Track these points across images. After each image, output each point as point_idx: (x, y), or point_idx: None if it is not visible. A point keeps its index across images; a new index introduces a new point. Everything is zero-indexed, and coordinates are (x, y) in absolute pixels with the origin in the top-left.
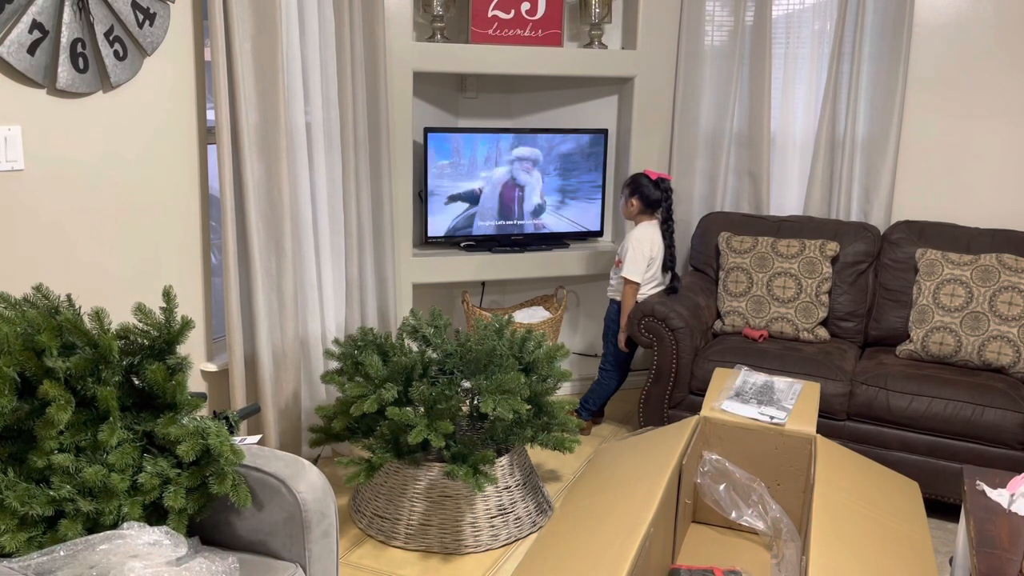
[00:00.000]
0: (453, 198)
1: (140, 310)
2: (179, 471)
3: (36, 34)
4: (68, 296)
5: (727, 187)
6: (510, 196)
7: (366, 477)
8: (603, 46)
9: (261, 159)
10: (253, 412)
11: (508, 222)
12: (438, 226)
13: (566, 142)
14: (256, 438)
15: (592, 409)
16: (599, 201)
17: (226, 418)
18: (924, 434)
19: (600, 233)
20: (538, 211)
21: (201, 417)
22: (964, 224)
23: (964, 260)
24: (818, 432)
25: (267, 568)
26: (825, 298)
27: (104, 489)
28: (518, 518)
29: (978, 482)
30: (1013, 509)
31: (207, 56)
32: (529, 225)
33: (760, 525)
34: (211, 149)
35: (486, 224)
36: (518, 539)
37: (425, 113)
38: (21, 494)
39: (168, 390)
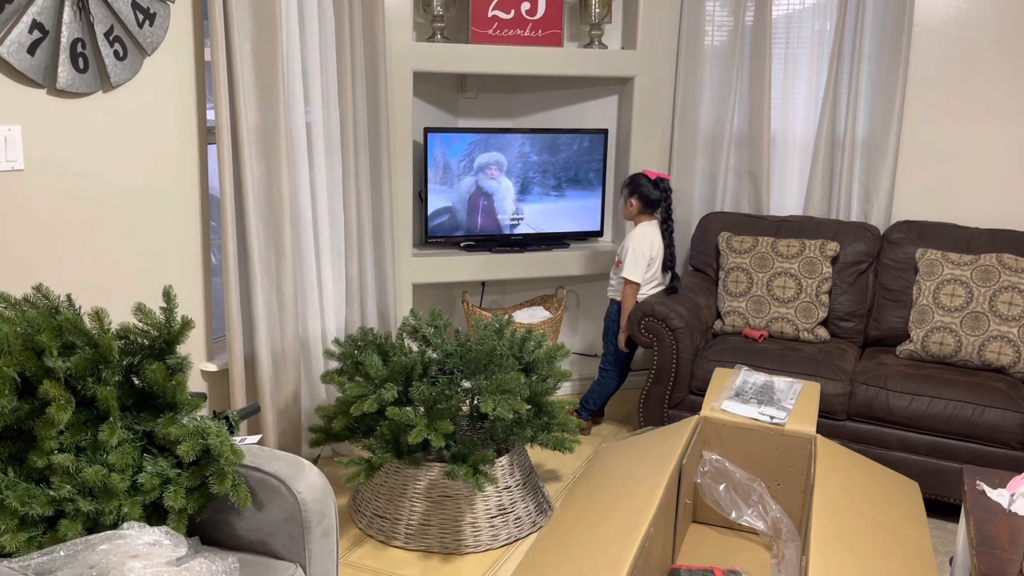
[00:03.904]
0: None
1: (140, 310)
2: (179, 471)
3: (36, 34)
4: (68, 296)
5: (727, 187)
6: (475, 206)
7: (366, 477)
8: (603, 46)
9: (261, 159)
10: (253, 412)
11: (484, 229)
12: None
13: (566, 142)
14: (256, 438)
15: (592, 409)
16: (599, 201)
17: (226, 418)
18: (924, 434)
19: (600, 233)
20: (514, 222)
21: (201, 417)
22: (964, 224)
23: (964, 260)
24: (818, 432)
25: (267, 568)
26: (825, 298)
27: (104, 489)
28: (518, 518)
29: (978, 482)
30: (1013, 509)
31: (207, 56)
32: (518, 226)
33: (760, 525)
34: (211, 149)
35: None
36: (518, 539)
37: (425, 113)
38: (21, 494)
39: (168, 390)
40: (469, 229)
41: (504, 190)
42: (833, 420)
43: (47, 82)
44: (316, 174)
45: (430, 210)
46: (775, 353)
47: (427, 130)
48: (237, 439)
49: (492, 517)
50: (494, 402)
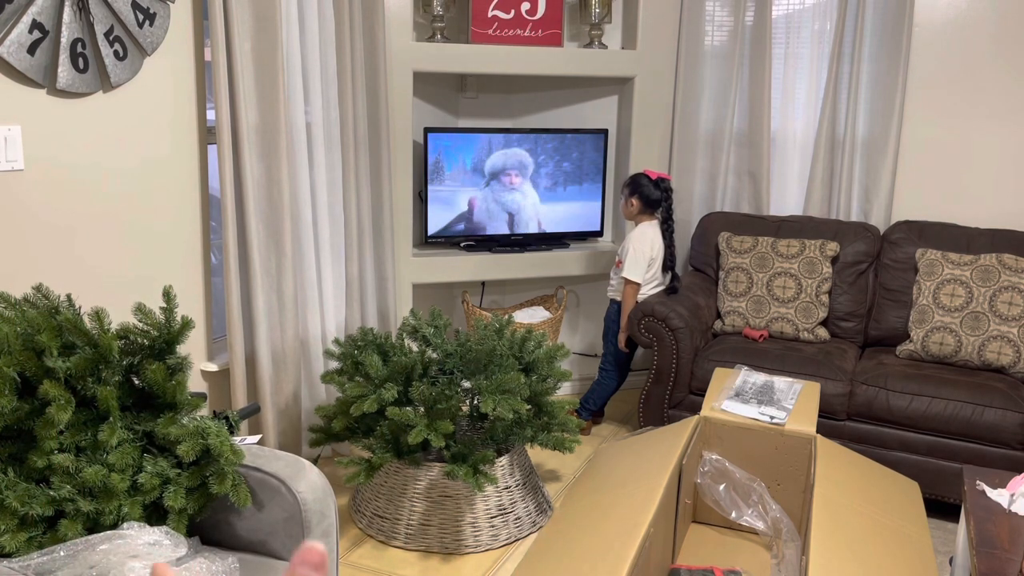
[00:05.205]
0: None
1: (140, 310)
2: (179, 471)
3: (36, 34)
4: (68, 296)
5: (727, 187)
6: (492, 219)
7: (366, 477)
8: (603, 46)
9: (261, 159)
10: (253, 412)
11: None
12: (435, 223)
13: (566, 142)
14: (256, 438)
15: (592, 409)
16: (599, 201)
17: (226, 418)
18: (924, 434)
19: (600, 233)
20: (537, 226)
21: (201, 417)
22: (964, 224)
23: (964, 260)
24: (818, 432)
25: (267, 568)
26: (825, 298)
27: (104, 489)
28: (518, 518)
29: (978, 482)
30: (1013, 509)
31: (207, 56)
32: (530, 225)
33: (760, 525)
34: (211, 149)
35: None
36: (518, 539)
37: (425, 113)
38: (21, 494)
39: (168, 390)
40: (470, 230)
41: (530, 207)
42: (833, 420)
43: (47, 82)
44: (316, 174)
45: (436, 220)
46: (775, 353)
47: (427, 130)
48: (237, 439)
49: (492, 517)
50: (494, 402)
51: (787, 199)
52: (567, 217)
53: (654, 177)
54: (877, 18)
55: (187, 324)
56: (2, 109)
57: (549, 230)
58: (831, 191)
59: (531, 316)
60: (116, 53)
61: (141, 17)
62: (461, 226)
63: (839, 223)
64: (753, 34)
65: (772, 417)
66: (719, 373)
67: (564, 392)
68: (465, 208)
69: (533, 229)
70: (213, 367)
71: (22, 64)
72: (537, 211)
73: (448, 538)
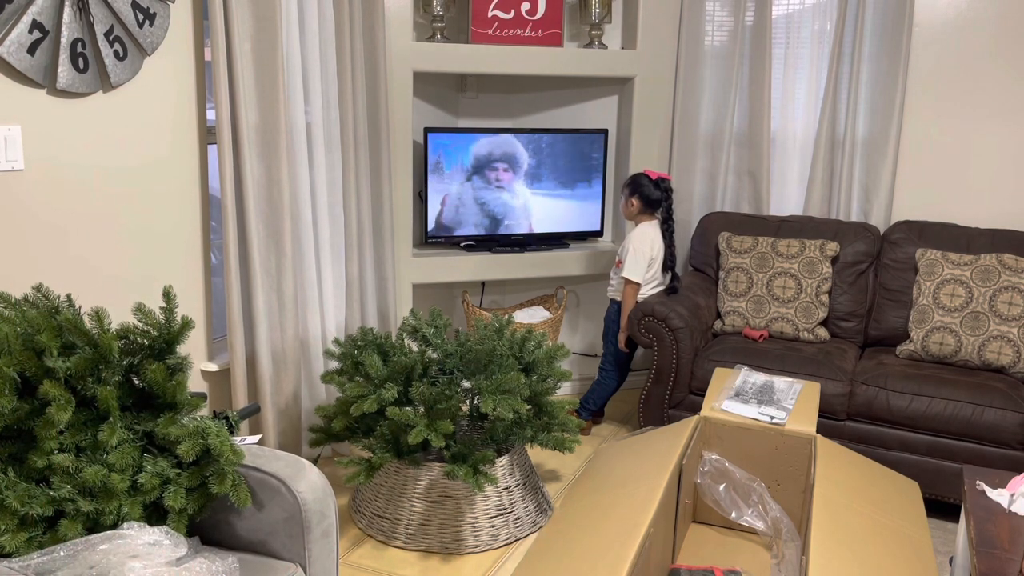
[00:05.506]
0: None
1: (140, 310)
2: (179, 471)
3: (36, 34)
4: (68, 296)
5: (727, 187)
6: (468, 228)
7: (366, 477)
8: (603, 46)
9: (261, 159)
10: (253, 412)
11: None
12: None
13: (566, 142)
14: (256, 438)
15: (592, 409)
16: (599, 201)
17: (226, 418)
18: (924, 434)
19: (600, 233)
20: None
21: (201, 417)
22: (964, 224)
23: (964, 260)
24: (818, 432)
25: (267, 568)
26: (825, 298)
27: (104, 489)
28: (518, 518)
29: (978, 482)
30: (1013, 509)
31: (207, 56)
32: (527, 225)
33: (760, 525)
34: (211, 149)
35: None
36: (518, 539)
37: (425, 113)
38: (21, 494)
39: (168, 390)
40: (469, 230)
41: (520, 208)
42: (833, 420)
43: (47, 82)
44: (316, 174)
45: (433, 223)
46: (775, 353)
47: (427, 130)
48: (237, 439)
49: (492, 517)
50: (494, 402)
51: (787, 199)
52: (567, 217)
53: (654, 177)
54: (877, 18)
55: (187, 324)
56: (2, 109)
57: (548, 230)
58: (831, 191)
59: (531, 316)
60: (116, 53)
61: (141, 17)
62: (432, 228)
63: (839, 223)
64: (753, 34)
65: (772, 417)
66: (719, 373)
67: (564, 392)
68: (458, 207)
69: (523, 230)
70: (213, 367)
71: (22, 64)
72: (528, 212)
73: (448, 538)
